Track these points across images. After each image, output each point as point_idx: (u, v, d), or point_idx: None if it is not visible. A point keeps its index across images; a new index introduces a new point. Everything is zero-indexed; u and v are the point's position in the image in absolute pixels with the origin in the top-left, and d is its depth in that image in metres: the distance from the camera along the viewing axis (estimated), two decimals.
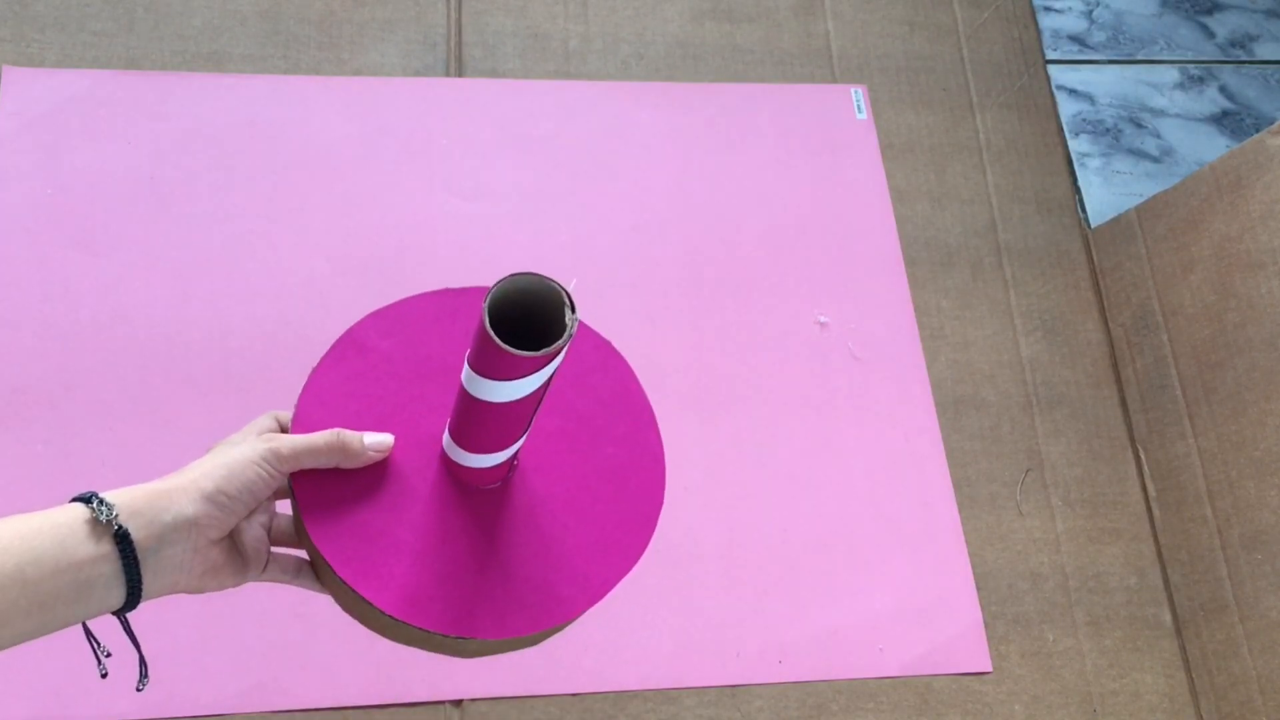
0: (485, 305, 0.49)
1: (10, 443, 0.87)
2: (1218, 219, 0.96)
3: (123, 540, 0.56)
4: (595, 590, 0.62)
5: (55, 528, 0.55)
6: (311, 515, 0.59)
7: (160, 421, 0.90)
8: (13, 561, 0.53)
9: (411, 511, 0.61)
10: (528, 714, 0.86)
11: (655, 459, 0.66)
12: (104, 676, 0.63)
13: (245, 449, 0.61)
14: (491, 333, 0.49)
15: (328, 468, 0.59)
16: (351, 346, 0.63)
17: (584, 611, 0.61)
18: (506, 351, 0.49)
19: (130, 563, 0.57)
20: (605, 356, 0.67)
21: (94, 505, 0.56)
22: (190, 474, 0.60)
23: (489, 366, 0.52)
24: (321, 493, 0.60)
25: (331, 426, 0.60)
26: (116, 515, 0.56)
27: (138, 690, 0.66)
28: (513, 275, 0.50)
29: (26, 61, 0.99)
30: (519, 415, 0.57)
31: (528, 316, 0.51)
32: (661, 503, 0.65)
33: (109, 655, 0.63)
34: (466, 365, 0.54)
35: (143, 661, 0.64)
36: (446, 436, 0.61)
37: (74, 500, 0.57)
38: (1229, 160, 0.95)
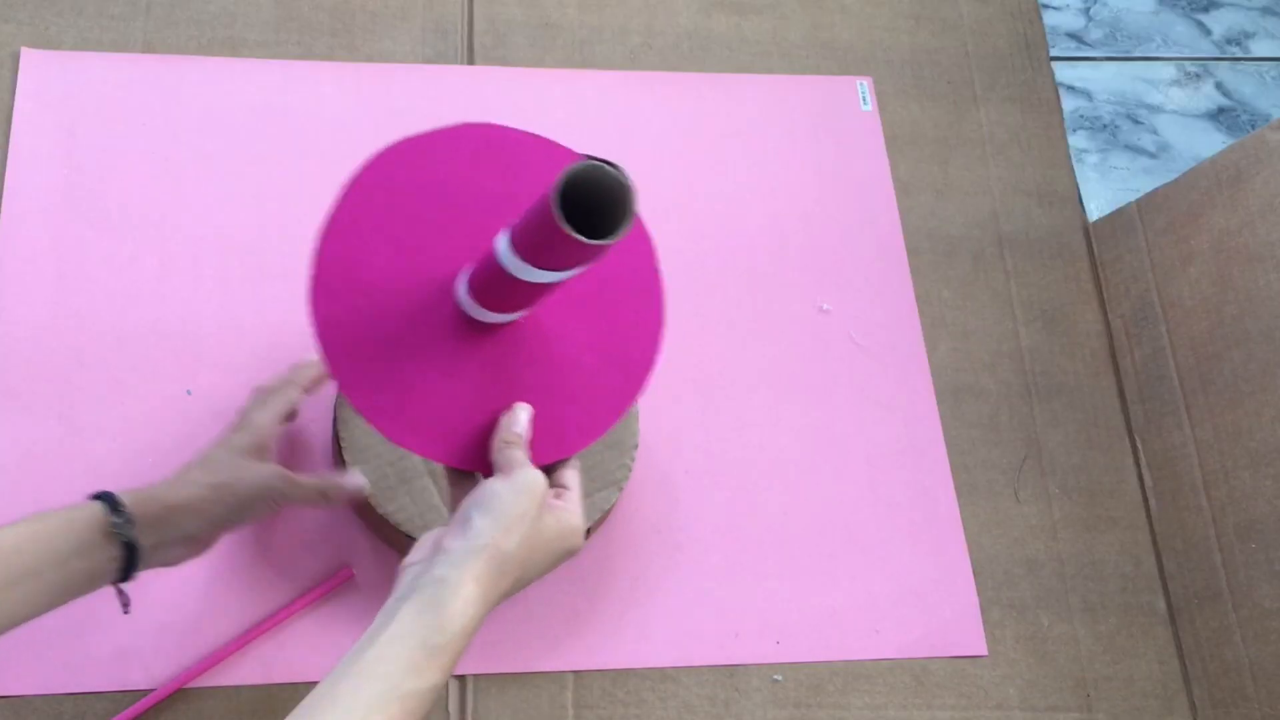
0: (555, 194, 0.49)
1: (25, 419, 0.88)
2: (1217, 213, 0.97)
3: (130, 549, 0.66)
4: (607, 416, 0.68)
5: (73, 532, 0.65)
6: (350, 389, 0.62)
7: (173, 400, 0.90)
8: (31, 560, 0.63)
9: (437, 359, 0.64)
10: (528, 688, 0.87)
11: (656, 315, 0.69)
12: (126, 611, 0.71)
13: (261, 475, 0.74)
14: (564, 223, 0.49)
15: (354, 325, 0.64)
16: (367, 185, 0.64)
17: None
18: (575, 239, 0.49)
19: (133, 564, 0.67)
20: None
21: (112, 518, 0.65)
22: (203, 493, 0.71)
23: (544, 255, 0.53)
24: (353, 360, 0.62)
25: (350, 280, 0.64)
26: (130, 526, 0.66)
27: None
28: (578, 163, 0.51)
29: (44, 43, 1.00)
30: (555, 289, 0.58)
31: (580, 201, 0.52)
32: (660, 346, 0.68)
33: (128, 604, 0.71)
34: (510, 250, 0.55)
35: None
36: (465, 292, 0.62)
37: (94, 498, 0.67)
38: (1229, 155, 0.96)
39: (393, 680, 0.54)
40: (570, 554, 0.64)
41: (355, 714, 0.53)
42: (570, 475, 0.67)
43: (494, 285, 0.59)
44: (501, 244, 0.56)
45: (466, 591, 0.57)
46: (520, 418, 0.65)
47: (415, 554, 0.61)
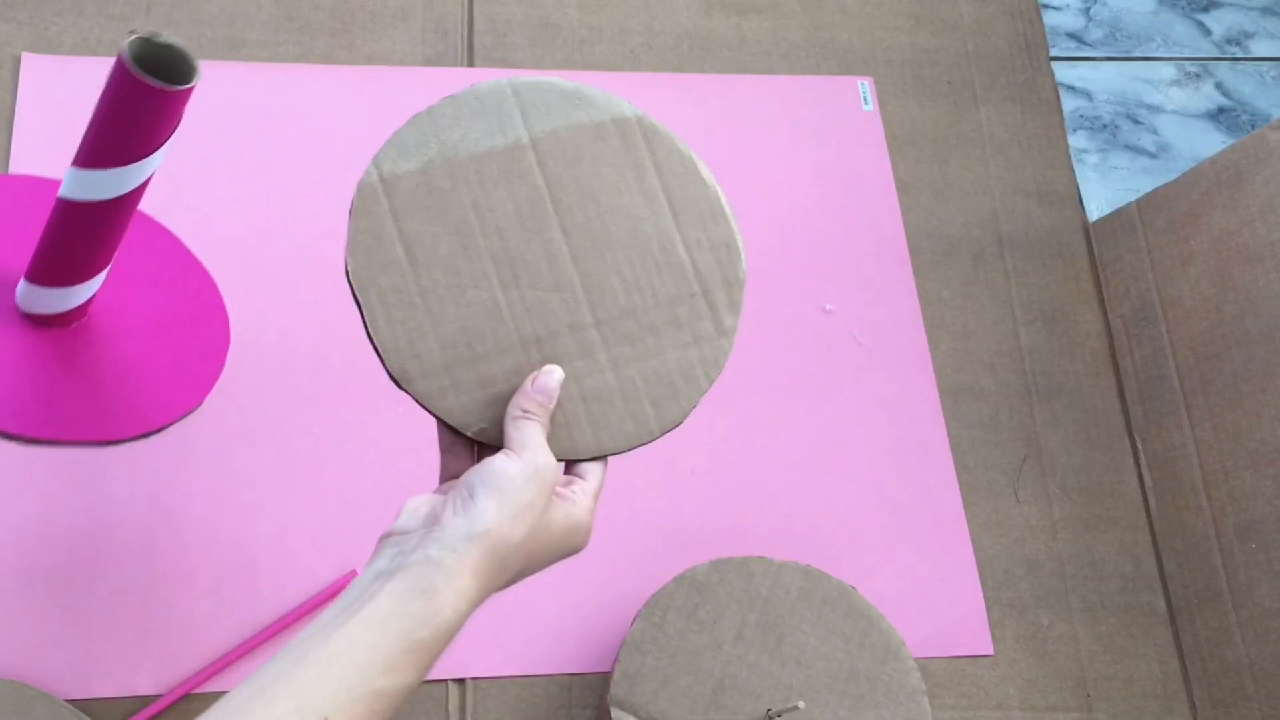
0: (126, 55, 0.52)
1: None
2: (1217, 213, 0.97)
3: None
4: (176, 409, 0.65)
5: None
6: None
7: None
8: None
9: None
10: (529, 691, 0.87)
11: (216, 306, 0.68)
12: None
13: None
14: (141, 73, 0.51)
15: None
16: None
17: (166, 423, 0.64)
18: (156, 88, 0.51)
19: None
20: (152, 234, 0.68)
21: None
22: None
23: (120, 140, 0.54)
24: None
25: None
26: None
27: None
28: (136, 37, 0.53)
29: (44, 44, 1.00)
30: (121, 218, 0.58)
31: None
32: (228, 340, 0.68)
33: None
34: (73, 169, 0.56)
35: None
36: (24, 287, 0.62)
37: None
38: (1229, 155, 0.96)
39: (364, 674, 0.48)
40: (574, 552, 0.58)
41: (314, 709, 0.46)
42: (592, 468, 0.60)
43: (54, 238, 0.59)
44: (69, 176, 0.56)
45: (462, 584, 0.50)
46: (547, 383, 0.57)
47: (403, 521, 0.54)
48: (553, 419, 0.58)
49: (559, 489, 0.57)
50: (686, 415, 0.61)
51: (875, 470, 0.98)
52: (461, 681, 0.86)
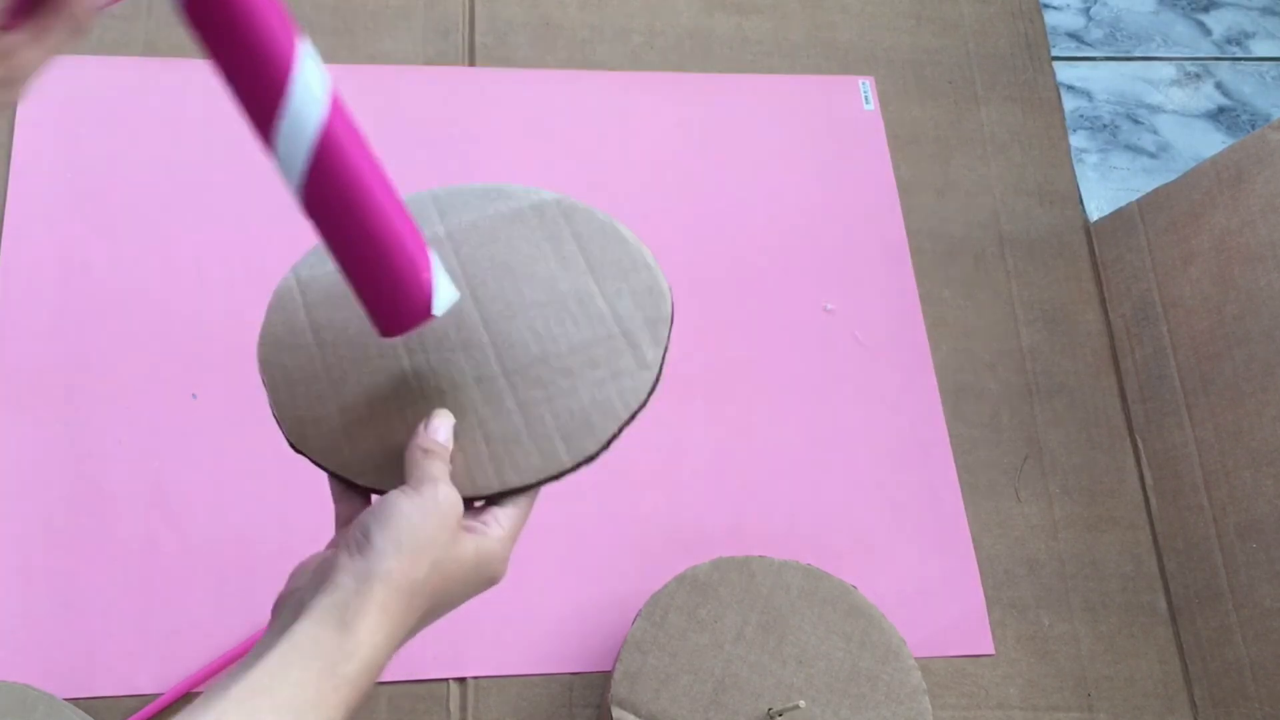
0: None
1: (29, 422, 0.88)
2: (1218, 212, 0.97)
3: None
4: None
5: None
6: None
7: (177, 403, 0.91)
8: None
9: None
10: (530, 690, 0.87)
11: None
12: None
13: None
14: None
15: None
16: None
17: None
18: None
19: None
20: None
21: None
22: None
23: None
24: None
25: None
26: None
27: None
28: None
29: None
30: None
31: None
32: None
33: None
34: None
35: None
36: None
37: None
38: (1230, 154, 0.96)
39: (294, 711, 0.44)
40: (491, 583, 0.54)
41: None
42: (507, 511, 0.56)
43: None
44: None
45: (372, 621, 0.47)
46: (440, 425, 0.55)
47: (293, 583, 0.52)
48: (453, 460, 0.55)
49: (468, 522, 0.54)
50: (604, 444, 0.59)
51: (876, 470, 0.98)
52: (463, 680, 0.86)
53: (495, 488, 0.57)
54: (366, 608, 0.47)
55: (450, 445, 0.55)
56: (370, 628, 0.47)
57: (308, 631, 0.46)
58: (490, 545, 0.53)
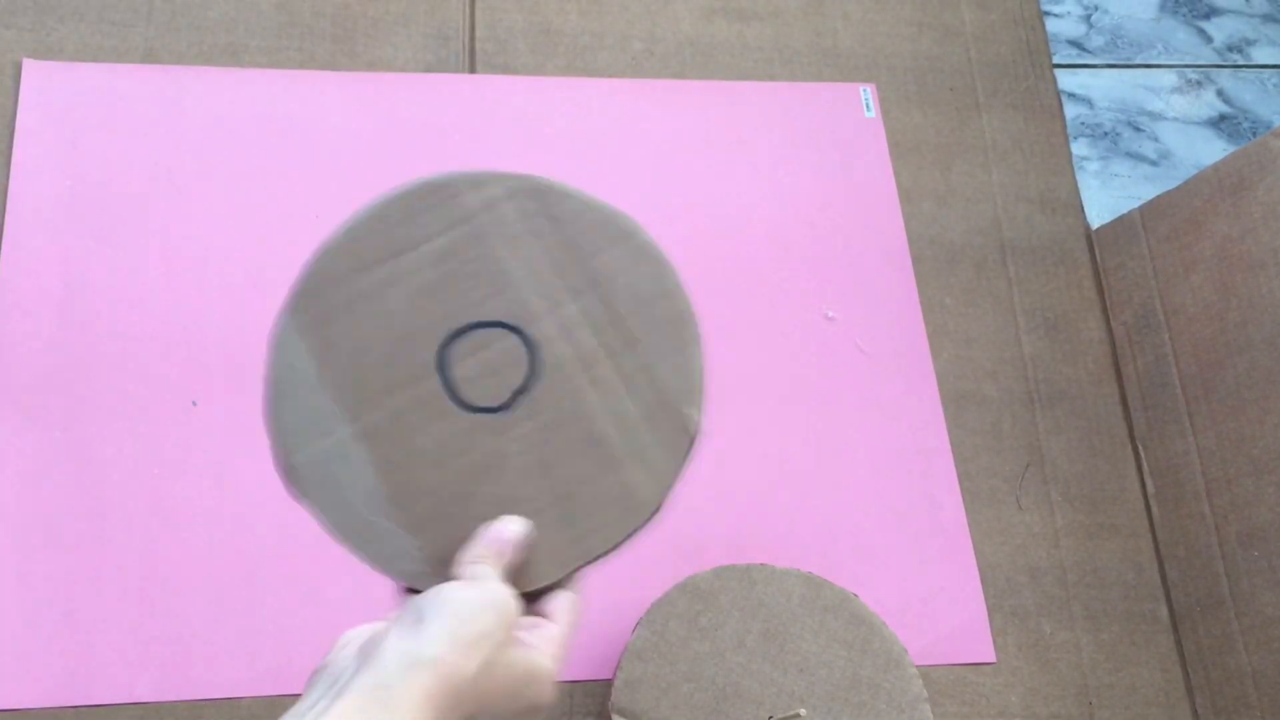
0: None
1: (29, 430, 0.88)
2: (1220, 220, 0.97)
3: None
4: None
5: None
6: None
7: (177, 411, 0.90)
8: None
9: None
10: None
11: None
12: None
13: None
14: None
15: None
16: None
17: None
18: None
19: None
20: None
21: None
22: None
23: None
24: None
25: None
26: None
27: None
28: None
29: (45, 50, 1.00)
30: None
31: None
32: None
33: None
34: None
35: None
36: None
37: None
38: (1232, 162, 0.96)
39: None
40: (535, 709, 0.49)
41: None
42: (560, 605, 0.53)
43: None
44: None
45: (416, 710, 0.43)
46: (505, 531, 0.52)
47: (334, 654, 0.48)
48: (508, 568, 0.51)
49: (519, 632, 0.50)
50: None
51: (877, 477, 0.98)
52: None
53: (553, 576, 0.54)
54: (407, 699, 0.43)
55: (510, 555, 0.52)
56: (413, 717, 0.43)
57: (348, 712, 0.42)
58: (541, 662, 0.50)
